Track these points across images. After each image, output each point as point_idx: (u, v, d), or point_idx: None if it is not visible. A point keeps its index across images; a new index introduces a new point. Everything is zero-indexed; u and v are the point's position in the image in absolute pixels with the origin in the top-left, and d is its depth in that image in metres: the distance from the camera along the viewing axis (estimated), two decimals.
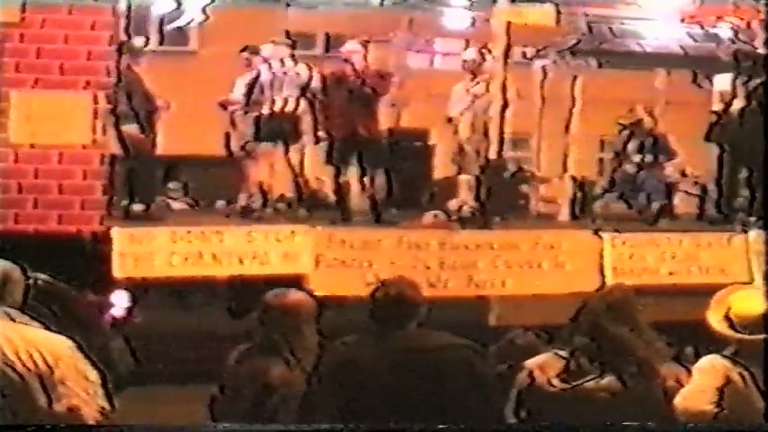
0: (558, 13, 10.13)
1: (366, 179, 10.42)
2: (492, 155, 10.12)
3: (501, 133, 10.14)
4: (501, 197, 10.20)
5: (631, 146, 11.66)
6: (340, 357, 5.16)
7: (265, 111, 10.83)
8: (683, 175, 11.49)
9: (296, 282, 9.49)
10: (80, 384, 4.77)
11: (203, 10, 10.60)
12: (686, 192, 11.45)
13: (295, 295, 5.52)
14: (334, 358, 5.18)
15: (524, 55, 11.46)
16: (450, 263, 9.76)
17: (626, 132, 11.60)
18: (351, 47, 10.63)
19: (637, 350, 5.03)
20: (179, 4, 10.70)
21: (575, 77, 11.15)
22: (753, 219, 10.90)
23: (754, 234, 10.43)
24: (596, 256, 10.05)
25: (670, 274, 10.21)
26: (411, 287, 5.30)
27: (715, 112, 11.05)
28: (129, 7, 9.58)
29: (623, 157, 11.65)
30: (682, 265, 10.26)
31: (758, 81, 10.94)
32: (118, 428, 5.00)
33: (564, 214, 11.35)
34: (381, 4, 10.56)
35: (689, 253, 10.29)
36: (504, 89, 10.17)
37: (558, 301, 9.88)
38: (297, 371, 5.16)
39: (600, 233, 10.11)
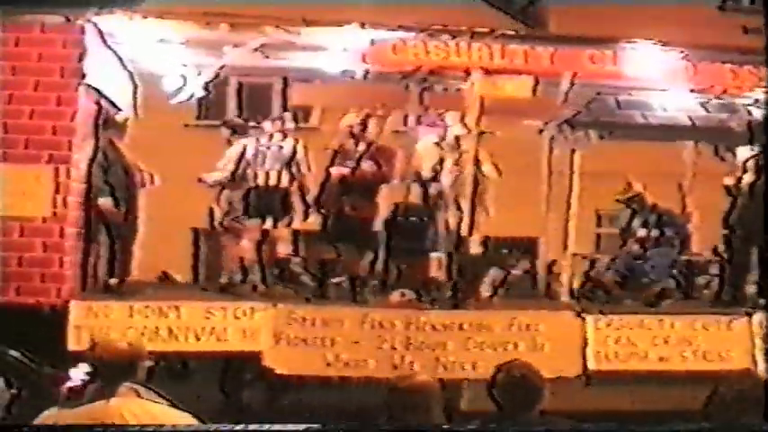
0: (536, 84, 10.06)
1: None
2: (464, 231, 10.00)
3: (472, 209, 10.01)
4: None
5: (636, 223, 11.43)
6: None
7: (252, 184, 11.01)
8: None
9: (254, 359, 9.68)
10: None
11: (206, 86, 10.79)
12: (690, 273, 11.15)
13: (421, 377, 5.78)
14: None
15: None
16: (417, 344, 9.60)
17: (629, 209, 11.36)
18: (349, 121, 10.67)
19: None
20: (185, 82, 10.90)
21: (573, 150, 11.03)
22: (762, 301, 10.67)
23: (759, 318, 10.13)
24: (578, 339, 9.80)
25: (660, 359, 9.88)
26: (533, 370, 5.68)
27: (726, 187, 10.73)
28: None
29: (628, 234, 11.39)
30: (674, 349, 9.94)
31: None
32: (117, 428, 5.22)
33: (565, 294, 11.12)
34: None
35: (683, 337, 9.93)
36: (476, 163, 10.11)
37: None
38: None
39: (583, 315, 9.81)
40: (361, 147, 10.33)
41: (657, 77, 10.34)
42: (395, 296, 9.98)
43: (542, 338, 9.73)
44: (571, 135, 10.95)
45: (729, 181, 10.72)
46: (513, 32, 10.05)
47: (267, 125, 11.16)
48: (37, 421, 5.41)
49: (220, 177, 10.83)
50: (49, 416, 5.42)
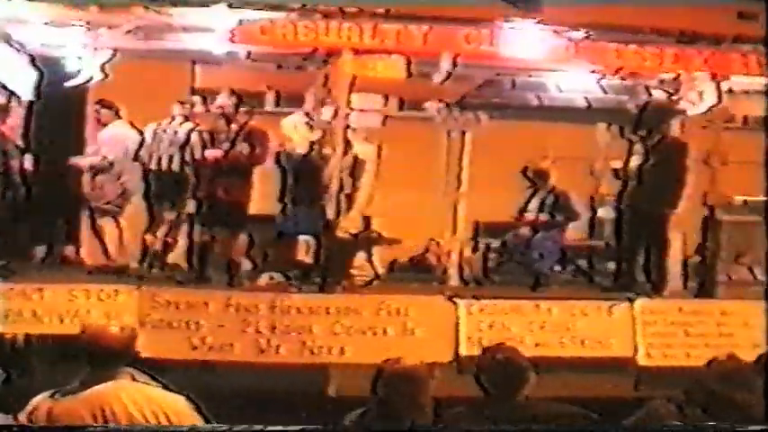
0: (409, 63, 10.10)
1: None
2: (330, 215, 10.06)
3: (339, 191, 10.01)
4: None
5: (533, 204, 11.52)
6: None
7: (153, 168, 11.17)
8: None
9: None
10: None
11: (102, 68, 10.90)
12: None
13: (410, 361, 5.86)
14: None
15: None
16: (283, 327, 9.73)
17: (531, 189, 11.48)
18: (222, 101, 10.70)
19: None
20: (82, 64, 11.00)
21: (463, 132, 11.11)
22: (648, 286, 10.75)
23: (641, 303, 10.22)
24: (450, 324, 9.88)
25: (537, 345, 9.91)
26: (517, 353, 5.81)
27: (614, 170, 10.79)
28: None
29: (521, 216, 11.47)
30: (552, 336, 10.01)
31: (659, 136, 10.82)
32: (117, 429, 5.30)
33: (454, 278, 11.22)
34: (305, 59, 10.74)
35: (561, 323, 9.98)
36: (346, 145, 10.17)
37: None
38: None
39: (455, 299, 9.88)
40: (234, 128, 10.41)
41: (536, 57, 10.34)
42: (264, 279, 10.14)
43: (413, 323, 9.78)
44: (461, 116, 11.07)
45: (618, 164, 10.80)
46: (383, 11, 10.10)
47: (176, 109, 11.37)
48: (27, 408, 5.46)
49: (95, 161, 11.05)
50: (40, 402, 5.48)
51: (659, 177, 10.58)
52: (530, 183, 11.49)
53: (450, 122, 11.24)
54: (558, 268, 11.34)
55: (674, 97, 11.13)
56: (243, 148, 10.32)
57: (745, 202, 12.01)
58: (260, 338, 9.63)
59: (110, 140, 11.19)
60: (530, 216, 11.37)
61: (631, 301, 10.13)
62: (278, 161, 10.64)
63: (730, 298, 10.61)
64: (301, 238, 10.36)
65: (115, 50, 10.49)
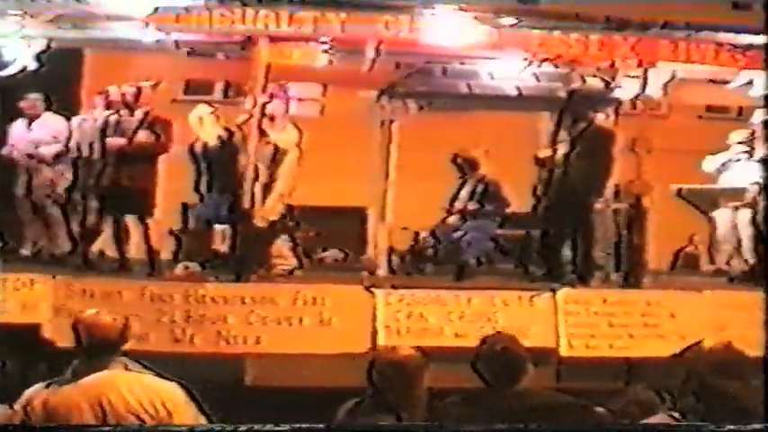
0: (325, 52, 10.15)
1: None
2: (246, 204, 10.09)
3: (254, 180, 10.05)
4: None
5: (463, 193, 11.58)
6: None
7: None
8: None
9: (33, 331, 9.91)
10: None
11: (38, 57, 10.99)
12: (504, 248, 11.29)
13: (405, 351, 6.04)
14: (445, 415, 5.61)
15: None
16: (197, 317, 9.81)
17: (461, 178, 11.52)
18: (123, 89, 10.71)
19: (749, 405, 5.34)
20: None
21: (391, 121, 11.17)
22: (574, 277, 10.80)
23: (563, 293, 10.28)
24: (368, 314, 9.94)
25: (456, 335, 10.00)
26: (516, 343, 5.89)
27: (538, 159, 10.85)
28: None
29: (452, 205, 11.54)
30: (471, 326, 10.07)
31: (584, 124, 10.86)
32: (117, 429, 5.44)
33: (383, 268, 11.29)
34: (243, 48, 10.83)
35: (481, 313, 10.05)
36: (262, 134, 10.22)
37: (324, 362, 9.97)
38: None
39: (373, 289, 9.93)
40: (138, 116, 10.50)
41: (458, 45, 10.37)
42: (179, 268, 10.25)
43: (329, 313, 9.85)
44: (389, 105, 11.14)
45: (544, 153, 10.86)
46: None
47: (97, 99, 11.37)
48: (23, 398, 5.58)
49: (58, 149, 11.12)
50: (36, 393, 5.59)
51: (585, 166, 10.63)
52: (460, 172, 11.60)
53: (377, 111, 11.33)
54: (487, 258, 11.40)
55: (611, 85, 11.27)
56: (145, 135, 10.42)
57: (680, 190, 12.18)
58: (175, 328, 9.70)
59: (42, 130, 11.33)
60: (459, 205, 11.49)
61: (554, 291, 10.17)
62: (191, 151, 10.78)
63: (657, 288, 10.76)
64: (217, 227, 10.47)
65: (50, 40, 10.64)
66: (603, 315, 10.18)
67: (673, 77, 11.51)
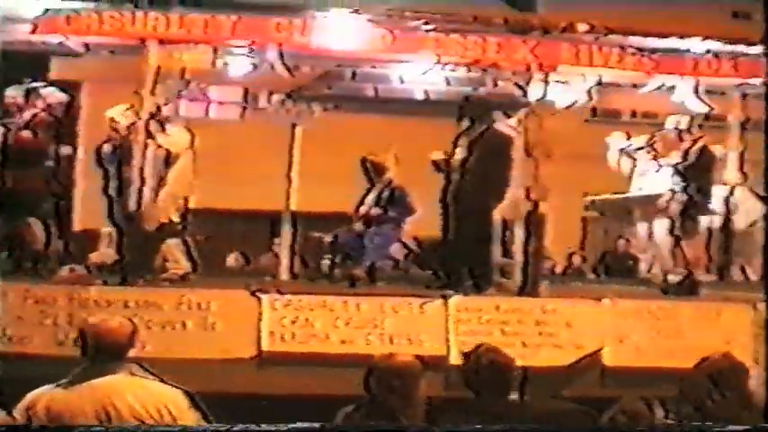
0: (215, 53, 10.34)
1: None
2: (132, 206, 10.23)
3: (141, 184, 10.22)
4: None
5: (370, 198, 11.72)
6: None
7: None
8: None
9: None
10: None
11: None
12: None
13: (403, 357, 6.30)
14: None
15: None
16: (80, 321, 9.95)
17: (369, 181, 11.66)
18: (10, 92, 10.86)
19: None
20: None
21: (294, 125, 11.34)
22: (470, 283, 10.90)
23: (455, 300, 10.38)
24: (253, 319, 10.09)
25: (342, 342, 10.14)
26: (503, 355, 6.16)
27: (435, 163, 10.98)
28: None
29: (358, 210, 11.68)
30: (358, 332, 10.21)
31: (482, 128, 10.97)
32: (116, 429, 5.62)
33: (285, 273, 11.44)
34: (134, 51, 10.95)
35: (368, 319, 10.17)
36: (147, 136, 10.28)
37: (209, 367, 10.13)
38: None
39: (258, 294, 10.04)
40: (27, 116, 10.69)
41: (351, 48, 10.53)
42: (64, 271, 10.44)
43: (213, 318, 10.03)
44: (294, 108, 11.31)
45: (438, 156, 10.99)
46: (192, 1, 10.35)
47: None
48: (25, 402, 5.75)
49: None
50: (43, 394, 5.77)
51: (484, 170, 10.78)
52: (367, 176, 11.74)
53: (282, 114, 11.51)
54: (390, 263, 11.54)
55: (526, 89, 11.39)
56: (26, 134, 10.59)
57: (593, 201, 12.32)
58: (58, 331, 9.90)
59: None
60: (362, 210, 11.63)
61: (445, 298, 10.28)
62: (98, 152, 10.97)
63: (556, 296, 10.86)
64: (104, 230, 10.68)
65: None
66: (496, 323, 10.22)
67: (599, 82, 11.75)
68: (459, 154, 10.86)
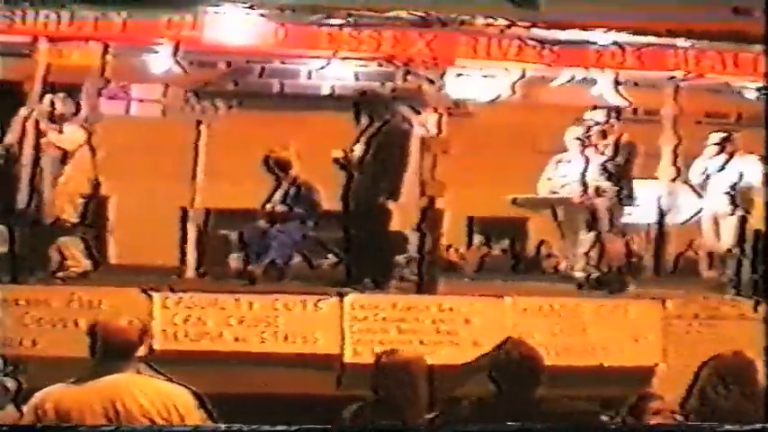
0: (106, 50, 10.55)
1: None
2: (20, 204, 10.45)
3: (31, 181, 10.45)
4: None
5: (277, 196, 11.89)
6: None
7: None
8: None
9: None
10: None
11: None
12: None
13: (407, 354, 6.60)
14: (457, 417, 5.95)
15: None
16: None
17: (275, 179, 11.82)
18: None
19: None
20: None
21: (199, 121, 11.52)
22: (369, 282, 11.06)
23: (350, 298, 10.50)
24: (144, 317, 10.27)
25: (236, 340, 10.29)
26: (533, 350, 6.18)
27: (336, 160, 11.13)
28: None
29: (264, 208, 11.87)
30: (251, 330, 10.36)
31: (380, 124, 11.11)
32: (116, 429, 5.77)
33: (190, 271, 11.64)
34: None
35: (261, 317, 10.37)
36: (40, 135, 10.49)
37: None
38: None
39: (150, 292, 10.20)
40: None
41: (244, 43, 10.75)
42: None
43: (105, 316, 10.22)
44: (198, 105, 11.49)
45: (337, 153, 11.17)
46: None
47: None
48: (35, 399, 5.93)
49: None
50: (52, 392, 5.91)
51: (382, 167, 10.96)
52: (272, 174, 11.92)
53: (186, 111, 11.70)
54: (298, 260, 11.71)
55: (437, 84, 11.55)
56: None
57: (515, 200, 12.45)
58: None
59: None
60: (270, 208, 11.80)
61: (341, 295, 10.44)
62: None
63: (456, 294, 10.97)
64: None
65: None
66: (392, 321, 10.42)
67: (522, 76, 11.91)
68: (358, 150, 11.07)
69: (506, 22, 11.04)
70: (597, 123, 12.23)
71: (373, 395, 6.53)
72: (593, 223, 12.16)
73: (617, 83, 12.15)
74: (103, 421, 5.72)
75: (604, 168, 12.18)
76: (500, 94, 12.23)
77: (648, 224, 13.60)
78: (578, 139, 12.31)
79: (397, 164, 10.94)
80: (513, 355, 6.01)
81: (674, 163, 13.22)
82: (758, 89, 12.88)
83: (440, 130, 10.97)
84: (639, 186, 12.78)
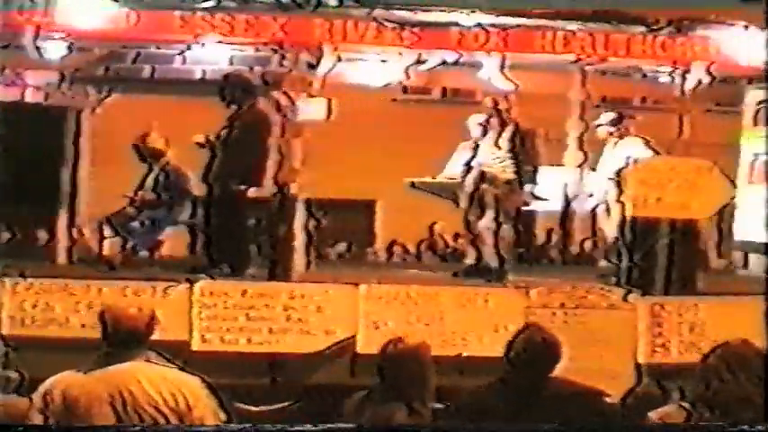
0: None
1: None
2: None
3: None
4: None
5: (149, 182, 12.13)
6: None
7: None
8: None
9: None
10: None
11: None
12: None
13: (414, 341, 6.71)
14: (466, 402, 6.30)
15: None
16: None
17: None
18: None
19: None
20: None
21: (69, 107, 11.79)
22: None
23: (199, 285, 10.64)
24: None
25: (83, 326, 10.29)
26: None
27: (198, 144, 11.32)
28: None
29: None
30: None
31: (244, 108, 11.31)
32: (116, 429, 6.03)
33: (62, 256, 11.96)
34: None
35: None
36: None
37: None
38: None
39: (4, 278, 10.37)
40: None
41: (94, 27, 11.03)
42: None
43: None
44: (69, 91, 11.77)
45: (199, 138, 11.38)
46: None
47: None
48: (44, 387, 6.17)
49: None
50: (60, 379, 6.16)
51: (241, 151, 11.21)
52: (142, 160, 12.20)
53: (58, 97, 11.99)
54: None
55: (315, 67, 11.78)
56: None
57: (413, 183, 12.62)
58: None
59: None
60: (130, 194, 12.06)
61: (191, 282, 10.59)
62: None
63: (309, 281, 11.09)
64: None
65: None
66: (242, 308, 10.54)
67: (418, 61, 12.11)
68: (224, 135, 11.28)
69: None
70: (496, 108, 12.42)
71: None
72: (483, 210, 12.36)
73: (503, 67, 12.37)
74: (109, 410, 5.92)
75: (499, 154, 12.32)
76: (391, 80, 12.52)
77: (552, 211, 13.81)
78: (480, 124, 12.50)
79: (257, 149, 11.21)
80: (533, 341, 6.31)
81: (581, 148, 13.38)
82: (670, 73, 13.04)
83: (326, 116, 11.31)
84: (545, 173, 12.96)
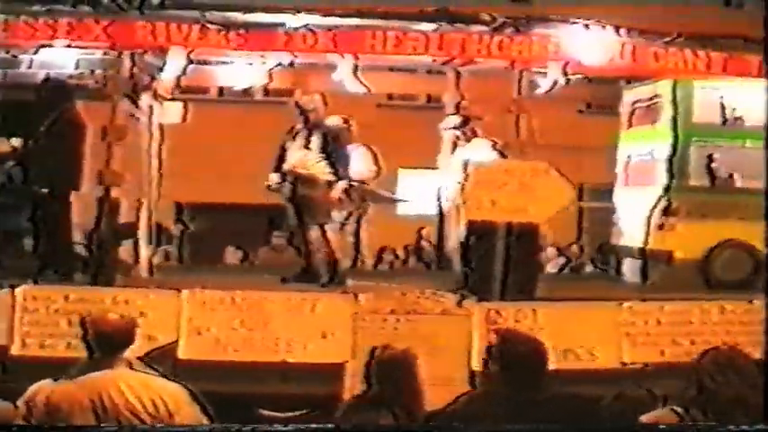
0: None
1: None
2: None
3: None
4: None
5: None
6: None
7: None
8: None
9: None
10: None
11: None
12: None
13: (401, 347, 6.99)
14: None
15: None
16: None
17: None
18: None
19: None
20: None
21: None
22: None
23: (22, 289, 10.69)
24: None
25: None
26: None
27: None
28: None
29: None
30: None
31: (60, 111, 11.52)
32: (116, 428, 6.15)
33: None
34: None
35: None
36: None
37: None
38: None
39: None
40: None
41: None
42: None
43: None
44: None
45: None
46: None
47: None
48: (28, 393, 6.28)
49: None
50: (41, 388, 6.26)
51: (60, 155, 11.33)
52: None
53: None
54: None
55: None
56: None
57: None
58: None
59: None
60: None
61: (13, 287, 10.68)
62: None
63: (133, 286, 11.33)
64: None
65: None
66: (64, 313, 10.60)
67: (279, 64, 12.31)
68: (39, 139, 11.47)
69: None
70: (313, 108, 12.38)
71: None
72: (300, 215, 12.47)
73: (356, 69, 12.53)
74: (90, 415, 6.06)
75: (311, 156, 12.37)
76: (253, 83, 12.69)
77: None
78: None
79: (75, 153, 11.36)
80: (514, 347, 6.27)
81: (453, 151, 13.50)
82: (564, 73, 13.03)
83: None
84: (415, 177, 13.12)
